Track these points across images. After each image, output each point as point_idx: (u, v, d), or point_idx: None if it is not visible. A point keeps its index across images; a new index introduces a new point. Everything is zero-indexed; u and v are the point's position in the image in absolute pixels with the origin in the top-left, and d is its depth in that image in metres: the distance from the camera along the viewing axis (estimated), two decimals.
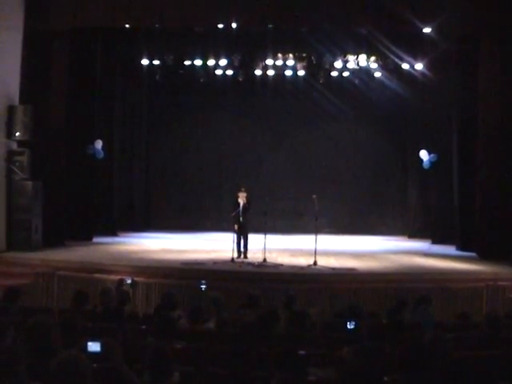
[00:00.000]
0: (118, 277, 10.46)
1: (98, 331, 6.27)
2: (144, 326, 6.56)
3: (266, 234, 12.21)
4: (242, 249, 12.90)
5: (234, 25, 13.37)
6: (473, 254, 13.42)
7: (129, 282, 8.70)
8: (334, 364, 4.84)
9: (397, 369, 4.74)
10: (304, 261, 12.12)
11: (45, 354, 4.38)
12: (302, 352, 4.92)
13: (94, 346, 4.32)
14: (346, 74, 17.00)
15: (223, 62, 16.32)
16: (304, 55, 16.55)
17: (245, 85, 17.46)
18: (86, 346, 4.33)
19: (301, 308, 7.42)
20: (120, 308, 7.31)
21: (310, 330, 5.82)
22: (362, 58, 16.10)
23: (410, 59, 15.64)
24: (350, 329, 6.44)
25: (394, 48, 15.03)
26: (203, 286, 9.00)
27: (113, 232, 16.57)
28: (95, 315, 6.99)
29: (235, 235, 12.74)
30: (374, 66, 16.45)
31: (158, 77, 17.26)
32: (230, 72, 17.02)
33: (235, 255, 12.38)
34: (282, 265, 11.77)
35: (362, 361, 5.29)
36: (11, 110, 12.97)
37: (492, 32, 12.93)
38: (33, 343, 4.45)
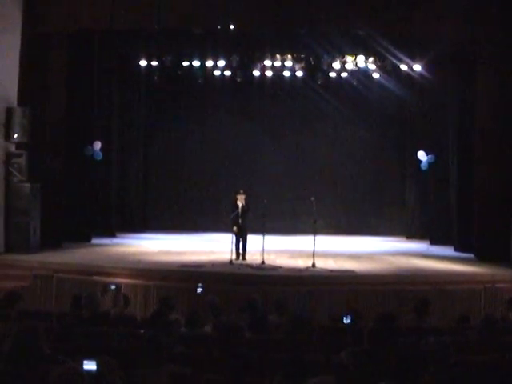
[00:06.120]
0: (117, 279, 10.50)
1: (94, 336, 6.29)
2: (142, 331, 6.55)
3: (264, 236, 12.20)
4: (240, 251, 12.90)
5: (232, 26, 13.37)
6: (471, 256, 13.42)
7: (113, 287, 8.68)
8: (331, 370, 4.83)
9: (394, 374, 4.74)
10: (302, 263, 12.12)
11: (32, 360, 4.35)
12: (301, 357, 4.91)
13: (89, 365, 4.18)
14: (344, 75, 16.95)
15: (221, 62, 16.28)
16: (302, 56, 16.48)
17: (243, 86, 17.41)
18: (81, 365, 4.18)
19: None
20: (107, 312, 7.32)
21: (308, 335, 5.82)
22: (361, 59, 16.05)
23: (408, 60, 15.61)
24: (347, 324, 6.48)
25: (392, 49, 14.99)
26: (200, 290, 8.99)
27: (111, 233, 16.56)
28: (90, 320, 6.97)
29: (234, 237, 12.74)
30: (372, 67, 16.41)
31: (156, 78, 17.26)
32: (228, 73, 16.96)
33: (234, 257, 12.38)
34: (280, 267, 11.77)
35: (360, 363, 5.29)
36: (9, 112, 12.93)
37: (491, 35, 12.92)
38: (19, 349, 4.41)
